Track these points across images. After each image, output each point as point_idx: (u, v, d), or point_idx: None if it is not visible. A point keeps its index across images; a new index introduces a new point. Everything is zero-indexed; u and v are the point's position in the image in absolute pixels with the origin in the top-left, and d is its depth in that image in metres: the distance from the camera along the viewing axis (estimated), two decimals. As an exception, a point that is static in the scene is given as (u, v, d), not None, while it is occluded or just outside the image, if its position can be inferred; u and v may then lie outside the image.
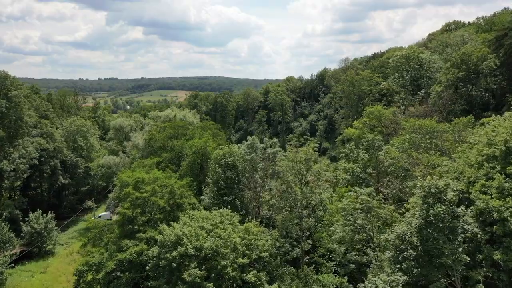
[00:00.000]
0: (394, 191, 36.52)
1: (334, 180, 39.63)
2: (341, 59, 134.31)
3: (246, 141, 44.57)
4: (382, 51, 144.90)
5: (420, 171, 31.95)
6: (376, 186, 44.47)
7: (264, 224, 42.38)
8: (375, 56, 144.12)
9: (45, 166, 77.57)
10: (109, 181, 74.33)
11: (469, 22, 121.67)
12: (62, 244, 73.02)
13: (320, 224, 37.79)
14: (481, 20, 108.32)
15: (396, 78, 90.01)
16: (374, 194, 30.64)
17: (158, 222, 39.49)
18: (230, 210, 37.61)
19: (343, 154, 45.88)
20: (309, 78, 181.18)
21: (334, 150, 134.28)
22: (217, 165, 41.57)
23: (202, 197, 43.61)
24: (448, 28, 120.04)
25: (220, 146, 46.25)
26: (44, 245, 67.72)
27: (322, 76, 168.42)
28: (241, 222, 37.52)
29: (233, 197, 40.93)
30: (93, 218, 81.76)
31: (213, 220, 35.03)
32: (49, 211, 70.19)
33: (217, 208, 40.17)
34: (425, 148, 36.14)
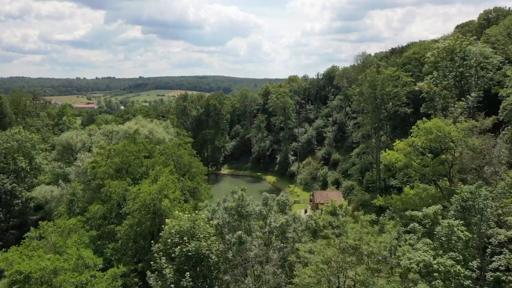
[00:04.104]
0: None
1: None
2: (356, 54, 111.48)
3: (228, 195, 23.29)
4: (401, 46, 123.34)
5: None
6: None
7: None
8: (394, 51, 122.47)
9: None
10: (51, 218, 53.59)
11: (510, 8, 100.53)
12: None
13: None
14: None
15: (436, 78, 69.02)
16: None
17: None
18: None
19: (414, 225, 24.62)
20: (315, 77, 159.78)
21: (347, 162, 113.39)
22: (165, 257, 20.35)
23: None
24: (487, 17, 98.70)
25: (185, 207, 25.10)
26: None
27: (330, 75, 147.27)
28: None
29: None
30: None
31: None
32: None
33: None
34: None
